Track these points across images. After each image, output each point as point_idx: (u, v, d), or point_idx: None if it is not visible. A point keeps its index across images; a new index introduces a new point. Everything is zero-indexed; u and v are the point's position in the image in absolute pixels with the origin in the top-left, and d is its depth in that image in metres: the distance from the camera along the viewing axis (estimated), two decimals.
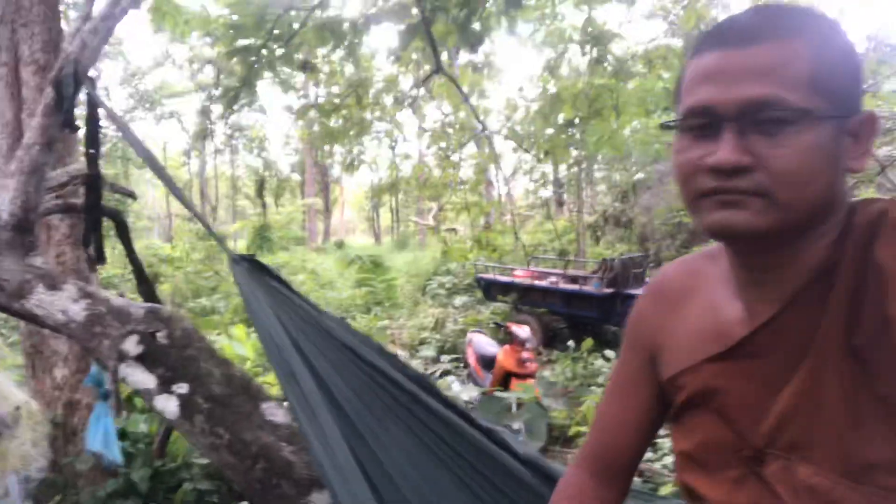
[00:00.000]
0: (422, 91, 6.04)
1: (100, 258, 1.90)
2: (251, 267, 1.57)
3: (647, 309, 0.97)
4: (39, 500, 3.53)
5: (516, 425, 4.33)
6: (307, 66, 4.62)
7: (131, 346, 1.50)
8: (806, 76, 0.67)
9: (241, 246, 19.47)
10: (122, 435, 3.93)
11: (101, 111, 1.92)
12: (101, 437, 1.61)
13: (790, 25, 0.68)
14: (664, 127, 0.80)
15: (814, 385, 0.72)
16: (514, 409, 4.55)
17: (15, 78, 3.56)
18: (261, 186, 26.34)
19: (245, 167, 29.97)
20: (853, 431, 0.70)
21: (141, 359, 1.51)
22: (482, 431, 1.36)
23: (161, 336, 1.55)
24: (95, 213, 1.89)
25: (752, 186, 0.68)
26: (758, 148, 0.67)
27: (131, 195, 3.27)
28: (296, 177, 31.26)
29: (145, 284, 2.75)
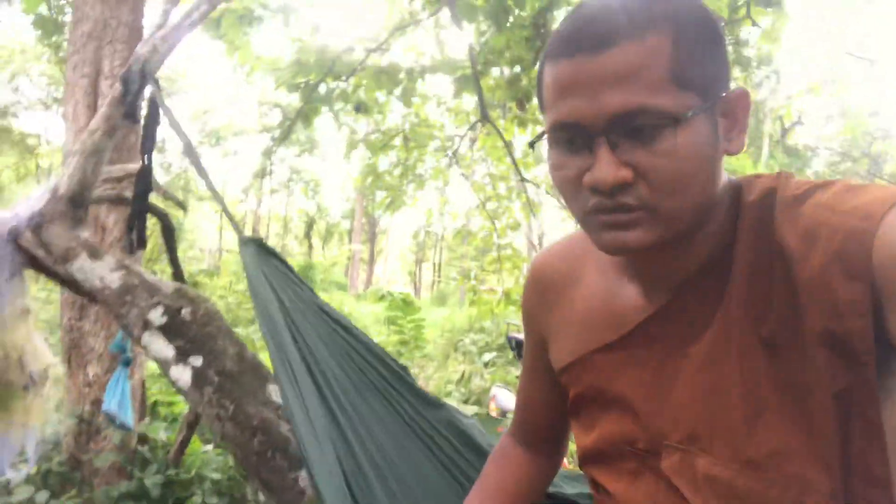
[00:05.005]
0: (467, 141, 6.24)
1: (140, 243, 2.03)
2: (259, 249, 1.67)
3: (530, 298, 0.93)
4: (55, 492, 3.62)
5: None
6: (361, 107, 4.84)
7: (156, 316, 1.60)
8: (669, 74, 0.62)
9: None
10: (142, 440, 4.01)
11: (161, 112, 2.09)
12: (117, 398, 1.70)
13: (644, 18, 0.62)
14: (531, 144, 0.79)
15: (713, 373, 0.69)
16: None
17: (94, 89, 3.85)
18: (309, 228, 26.98)
19: (297, 209, 30.85)
20: (756, 419, 0.66)
21: (163, 329, 1.60)
22: (453, 417, 1.41)
23: (185, 312, 1.64)
24: (142, 200, 2.03)
25: (635, 202, 0.64)
26: (635, 159, 0.63)
27: (181, 204, 3.47)
28: (345, 224, 31.97)
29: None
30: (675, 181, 0.63)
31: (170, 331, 1.60)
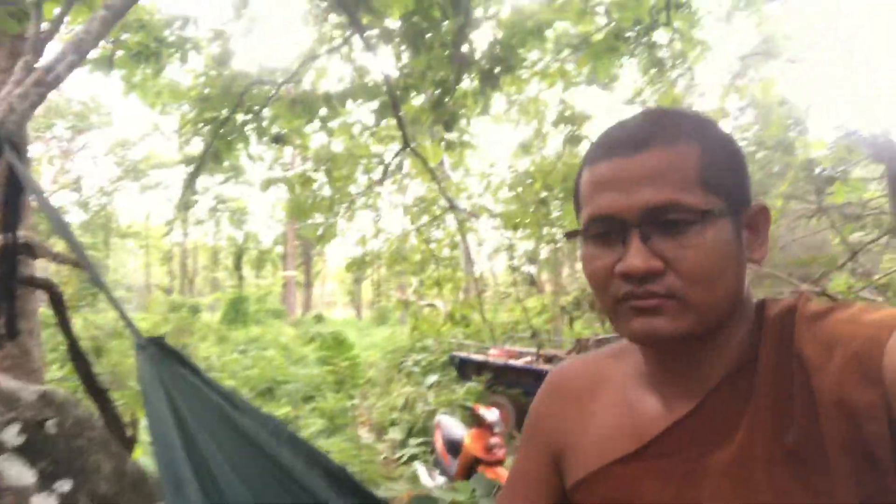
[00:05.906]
0: (396, 167, 6.06)
1: (10, 333, 1.75)
2: (158, 352, 1.44)
3: (547, 407, 0.93)
4: None
5: None
6: (279, 139, 4.60)
7: (11, 436, 1.34)
8: (698, 177, 0.69)
9: (216, 318, 19.08)
10: None
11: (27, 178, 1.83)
12: None
13: (675, 131, 0.71)
14: (568, 236, 0.82)
15: (740, 483, 0.68)
16: None
17: None
18: (238, 258, 26.20)
19: (226, 238, 29.91)
20: None
21: (22, 451, 1.35)
22: None
23: (50, 424, 1.39)
24: (7, 284, 1.76)
25: (664, 290, 0.69)
26: (665, 251, 0.68)
27: (77, 265, 3.14)
28: (279, 249, 31.12)
29: (80, 360, 2.58)
30: (703, 272, 0.68)
31: (30, 451, 1.35)
